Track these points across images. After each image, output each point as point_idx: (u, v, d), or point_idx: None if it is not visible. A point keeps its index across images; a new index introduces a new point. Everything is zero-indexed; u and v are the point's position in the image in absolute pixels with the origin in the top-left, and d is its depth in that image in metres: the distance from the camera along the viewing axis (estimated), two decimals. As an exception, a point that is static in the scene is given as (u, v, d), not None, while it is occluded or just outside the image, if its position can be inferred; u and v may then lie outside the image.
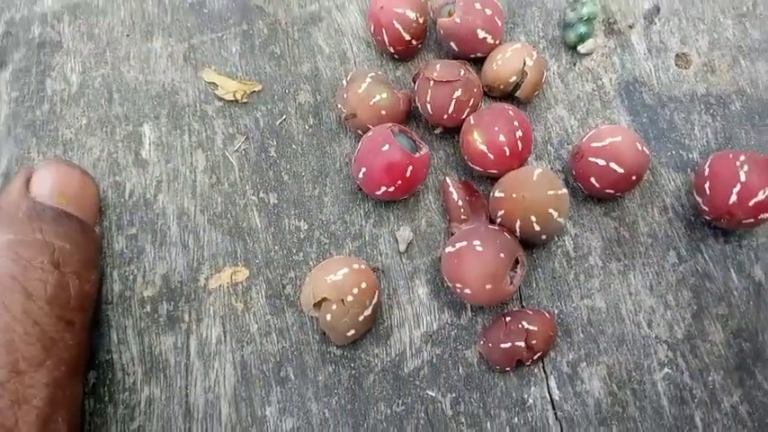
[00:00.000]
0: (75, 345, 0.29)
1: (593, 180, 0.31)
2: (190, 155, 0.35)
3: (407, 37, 0.34)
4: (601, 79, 0.36)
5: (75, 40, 0.37)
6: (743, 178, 0.29)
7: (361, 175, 0.32)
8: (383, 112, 0.33)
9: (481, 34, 0.34)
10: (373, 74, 0.33)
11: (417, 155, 0.31)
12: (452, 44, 0.34)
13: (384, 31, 0.34)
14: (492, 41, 0.34)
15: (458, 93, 0.32)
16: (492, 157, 0.31)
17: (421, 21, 0.34)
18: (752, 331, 0.31)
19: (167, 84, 0.36)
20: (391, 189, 0.31)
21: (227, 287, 0.33)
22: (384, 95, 0.33)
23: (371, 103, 0.32)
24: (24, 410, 0.26)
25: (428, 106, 0.33)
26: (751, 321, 0.31)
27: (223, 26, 0.38)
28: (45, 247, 0.29)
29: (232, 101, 0.36)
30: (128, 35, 0.38)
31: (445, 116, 0.33)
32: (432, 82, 0.32)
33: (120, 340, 0.32)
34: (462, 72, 0.32)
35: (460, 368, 0.31)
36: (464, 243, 0.30)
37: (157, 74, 0.37)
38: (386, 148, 0.31)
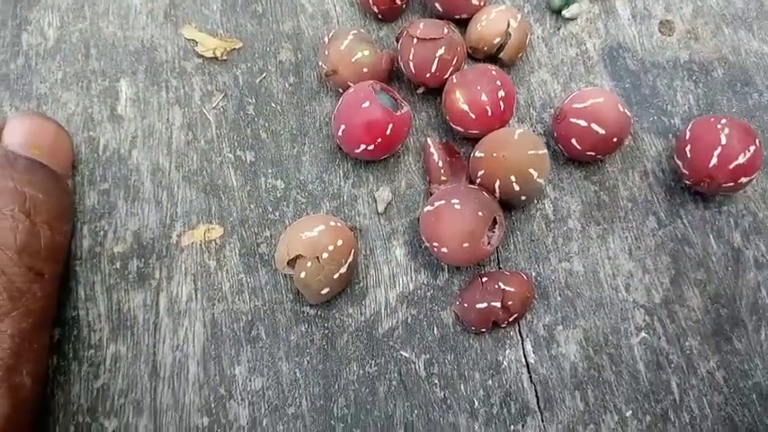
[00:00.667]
0: (44, 296, 0.28)
1: (574, 141, 0.31)
2: (167, 111, 0.34)
3: None
4: (585, 44, 0.35)
5: (51, -6, 0.37)
6: (723, 141, 0.29)
7: (340, 133, 0.31)
8: (365, 70, 0.32)
9: (466, -7, 0.33)
10: (356, 31, 0.33)
11: (398, 113, 0.31)
12: (437, 4, 0.34)
13: (367, -11, 0.34)
14: (477, 2, 0.34)
15: (441, 51, 0.31)
16: (473, 116, 0.31)
17: None
18: (729, 297, 0.31)
19: (146, 40, 0.36)
20: (371, 147, 0.31)
21: (201, 245, 0.32)
22: (366, 53, 0.32)
23: (353, 60, 0.32)
24: None
25: (411, 64, 0.32)
26: (729, 287, 0.31)
27: (204, -16, 0.37)
28: (16, 194, 0.28)
29: (212, 58, 0.35)
30: (106, -10, 0.37)
31: (428, 74, 0.32)
32: (415, 39, 0.32)
33: (87, 296, 0.31)
34: (446, 30, 0.32)
35: (435, 329, 0.31)
36: (442, 202, 0.29)
37: (136, 30, 0.36)
38: (366, 104, 0.30)
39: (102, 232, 0.32)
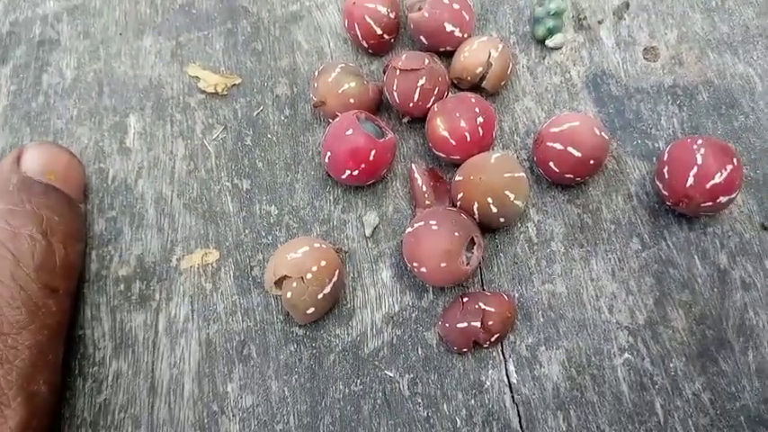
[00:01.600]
0: (59, 311, 0.30)
1: (551, 165, 0.32)
2: (171, 143, 0.37)
3: (379, 31, 0.36)
4: (569, 72, 0.36)
5: (72, 39, 0.40)
6: (699, 161, 0.30)
7: (327, 159, 0.33)
8: (351, 100, 0.34)
9: (449, 27, 0.35)
10: (343, 65, 0.34)
11: (382, 140, 0.32)
12: (422, 38, 0.36)
13: (357, 25, 0.36)
14: (460, 35, 0.35)
15: (422, 81, 0.33)
16: (454, 142, 0.32)
17: (392, 16, 0.36)
18: (716, 318, 0.31)
19: (154, 78, 0.38)
20: (356, 172, 0.32)
21: (198, 268, 0.34)
22: (353, 84, 0.34)
23: (340, 91, 0.34)
24: (6, 369, 0.27)
25: (395, 95, 0.34)
26: (715, 308, 0.31)
27: (209, 25, 0.40)
28: (34, 216, 0.30)
29: (213, 93, 0.37)
30: (120, 34, 0.40)
31: (411, 104, 0.34)
32: (398, 71, 0.33)
33: (93, 316, 0.33)
34: (427, 61, 0.33)
35: (419, 349, 0.31)
36: (421, 223, 0.30)
37: (146, 69, 0.39)
38: (350, 132, 0.32)
39: (108, 257, 0.34)
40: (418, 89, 0.33)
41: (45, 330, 0.29)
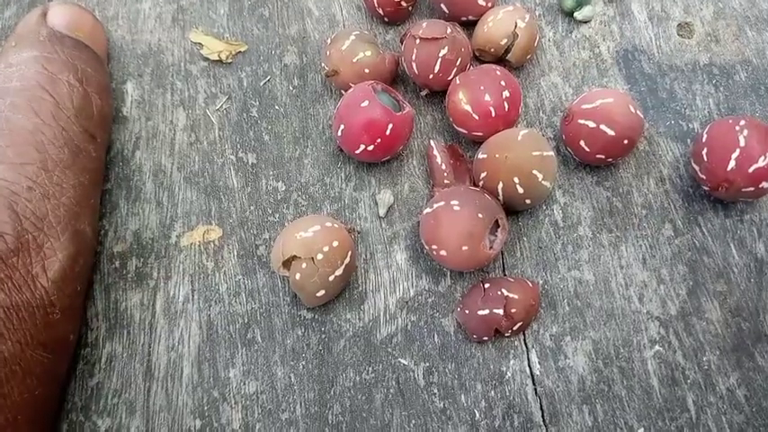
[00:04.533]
0: (97, 158, 0.30)
1: (582, 144, 0.30)
2: (171, 113, 0.34)
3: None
4: (598, 47, 0.34)
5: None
6: (742, 143, 0.28)
7: (339, 133, 0.30)
8: (366, 71, 0.32)
9: (475, -5, 0.32)
10: (358, 32, 0.32)
11: (399, 113, 0.30)
12: (443, 6, 0.33)
13: (373, -9, 0.33)
14: (484, 3, 0.33)
15: (444, 51, 0.31)
16: (477, 117, 0.30)
17: None
18: (752, 310, 0.29)
19: (153, 43, 0.36)
20: (371, 148, 0.30)
21: (199, 246, 0.31)
22: (368, 53, 0.32)
23: (354, 60, 0.31)
24: (53, 204, 0.27)
25: (414, 65, 0.31)
26: (751, 300, 0.29)
27: (214, -11, 0.37)
28: (69, 65, 0.30)
29: (217, 61, 0.35)
30: (118, -5, 0.37)
31: (431, 76, 0.31)
32: (417, 40, 0.31)
33: (86, 294, 0.31)
34: (449, 30, 0.31)
35: (436, 337, 0.29)
36: (441, 203, 0.28)
37: (144, 33, 0.36)
38: (365, 104, 0.30)
39: (102, 231, 0.32)
40: (439, 60, 0.31)
41: (86, 174, 0.29)
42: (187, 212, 0.32)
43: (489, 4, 0.33)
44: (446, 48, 0.31)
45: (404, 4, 0.34)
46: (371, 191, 0.32)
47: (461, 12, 0.33)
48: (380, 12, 0.34)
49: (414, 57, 0.31)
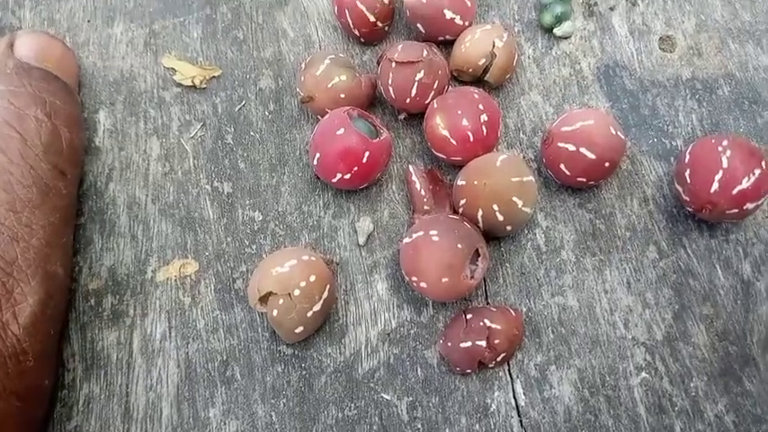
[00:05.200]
0: (68, 194, 0.30)
1: (562, 167, 0.29)
2: (144, 142, 0.33)
3: (372, 18, 0.33)
4: (579, 63, 0.33)
5: (35, 26, 0.36)
6: (725, 164, 0.27)
7: (315, 162, 0.30)
8: (342, 95, 0.31)
9: (449, 14, 0.32)
10: (333, 56, 0.31)
11: (376, 140, 0.29)
12: (419, 26, 0.33)
13: (348, 11, 0.33)
14: (461, 23, 0.32)
15: (420, 75, 0.30)
16: (455, 142, 0.29)
17: (386, 1, 0.32)
18: (739, 333, 0.29)
19: (126, 70, 0.35)
20: (347, 176, 0.29)
21: (175, 280, 0.31)
22: (343, 77, 0.31)
23: (329, 85, 0.31)
24: (23, 247, 0.26)
25: (390, 89, 0.31)
26: (738, 323, 0.29)
27: (186, 11, 0.36)
28: (37, 98, 0.29)
29: (190, 86, 0.34)
30: (89, 21, 0.36)
31: (408, 100, 0.31)
32: (393, 63, 0.30)
33: (61, 335, 0.30)
34: (425, 52, 0.30)
35: (419, 370, 0.29)
36: (420, 233, 0.28)
37: (116, 60, 0.35)
38: (341, 131, 0.29)
39: (77, 268, 0.31)
40: (416, 83, 0.30)
41: (57, 213, 0.28)
42: (162, 246, 0.31)
43: (467, 23, 0.32)
44: (422, 71, 0.30)
45: (379, 24, 0.33)
46: (351, 218, 0.31)
47: (438, 32, 0.33)
48: (356, 32, 0.33)
49: (390, 81, 0.30)
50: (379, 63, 0.32)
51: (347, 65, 0.31)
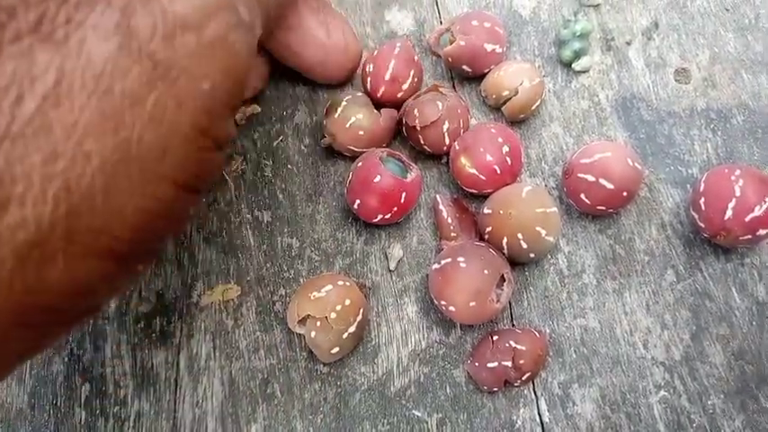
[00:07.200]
0: None
1: (582, 196, 0.31)
2: (189, 174, 0.36)
3: (400, 95, 0.34)
4: (597, 96, 0.35)
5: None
6: (738, 193, 0.28)
7: (356, 206, 0.32)
8: (361, 133, 0.33)
9: (489, 47, 0.34)
10: (350, 96, 0.33)
11: (409, 178, 0.31)
12: (464, 67, 0.34)
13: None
14: (500, 51, 0.34)
15: (446, 126, 0.32)
16: (484, 178, 0.31)
17: (416, 81, 0.34)
18: (755, 353, 0.30)
19: (171, 107, 0.38)
20: (388, 216, 0.31)
21: (219, 304, 0.33)
22: (360, 116, 0.33)
23: (347, 125, 0.33)
24: None
25: (425, 148, 0.33)
26: (754, 343, 0.30)
27: (226, 51, 0.39)
28: None
29: (231, 122, 0.37)
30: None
31: (444, 148, 0.33)
32: (419, 128, 0.32)
33: (114, 354, 0.32)
34: (440, 105, 0.32)
35: (448, 388, 0.31)
36: (449, 260, 0.29)
37: (162, 97, 0.38)
38: (377, 179, 0.30)
39: (128, 293, 0.34)
40: (446, 134, 0.32)
41: None
42: (207, 272, 0.34)
43: (504, 49, 0.34)
44: (447, 122, 0.32)
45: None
46: (381, 244, 0.33)
47: (483, 66, 0.34)
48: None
49: (422, 142, 0.32)
50: (398, 124, 0.34)
51: (364, 103, 0.33)
